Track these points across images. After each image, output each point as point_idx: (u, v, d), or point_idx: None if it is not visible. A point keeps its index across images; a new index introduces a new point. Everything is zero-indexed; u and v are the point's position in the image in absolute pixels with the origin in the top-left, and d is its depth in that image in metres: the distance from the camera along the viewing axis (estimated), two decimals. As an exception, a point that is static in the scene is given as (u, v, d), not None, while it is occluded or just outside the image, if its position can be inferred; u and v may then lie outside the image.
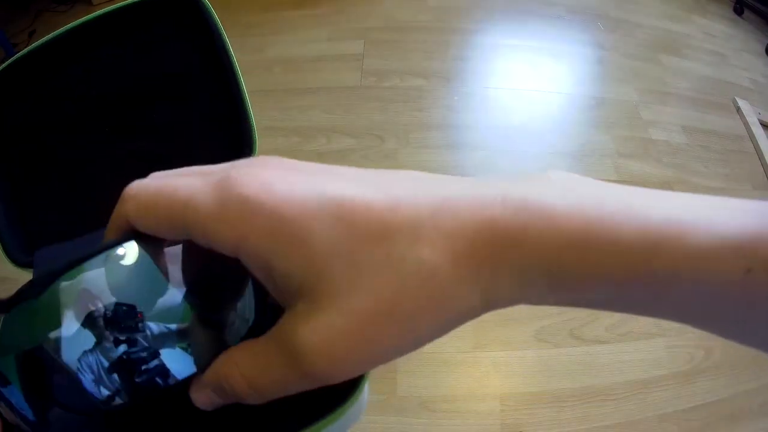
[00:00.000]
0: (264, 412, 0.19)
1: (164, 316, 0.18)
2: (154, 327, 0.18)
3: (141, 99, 0.49)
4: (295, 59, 1.63)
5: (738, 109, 1.52)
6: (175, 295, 0.18)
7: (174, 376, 0.18)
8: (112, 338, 0.17)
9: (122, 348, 0.17)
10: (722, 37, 1.84)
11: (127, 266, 0.18)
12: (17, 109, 0.45)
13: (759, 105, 1.55)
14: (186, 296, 0.19)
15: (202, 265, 0.19)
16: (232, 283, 0.20)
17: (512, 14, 1.81)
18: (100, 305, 0.17)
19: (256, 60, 1.64)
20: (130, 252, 0.18)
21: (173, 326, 0.18)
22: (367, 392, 0.25)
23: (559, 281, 0.14)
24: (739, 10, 1.97)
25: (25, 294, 0.18)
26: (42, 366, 0.17)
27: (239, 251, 0.15)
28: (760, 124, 1.48)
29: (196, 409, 0.18)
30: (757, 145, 1.42)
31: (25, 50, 0.43)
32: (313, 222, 0.15)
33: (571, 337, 1.01)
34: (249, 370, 0.16)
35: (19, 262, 0.42)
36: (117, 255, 0.18)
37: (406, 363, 0.97)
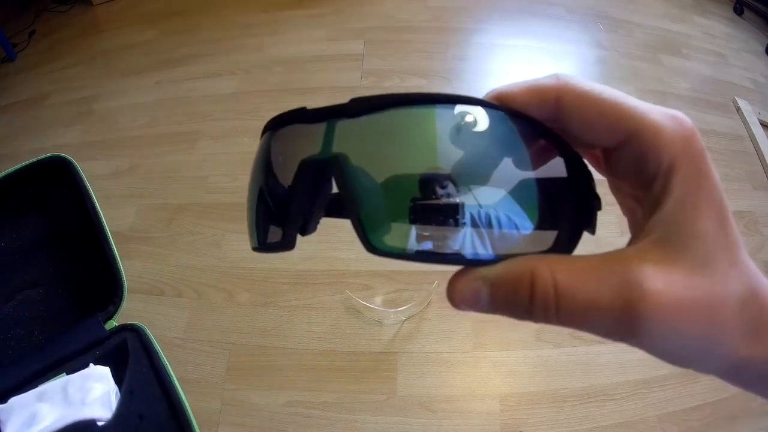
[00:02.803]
0: None
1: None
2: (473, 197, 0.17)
3: (22, 257, 0.57)
4: (295, 59, 1.63)
5: (738, 109, 1.52)
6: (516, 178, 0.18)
7: (465, 255, 0.17)
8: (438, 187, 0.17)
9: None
10: (722, 37, 1.84)
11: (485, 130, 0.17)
12: None
13: (759, 105, 1.55)
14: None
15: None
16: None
17: (512, 14, 1.81)
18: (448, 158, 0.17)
19: (256, 60, 1.64)
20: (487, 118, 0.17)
21: (502, 208, 0.17)
22: None
23: None
24: (739, 10, 1.97)
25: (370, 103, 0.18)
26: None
27: (668, 174, 0.15)
28: (760, 124, 1.48)
29: None
30: (757, 145, 1.42)
31: None
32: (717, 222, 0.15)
33: (571, 337, 1.01)
34: (564, 276, 0.15)
35: None
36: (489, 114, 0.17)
37: (406, 363, 0.97)
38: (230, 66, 1.62)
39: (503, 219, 0.17)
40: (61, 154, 0.58)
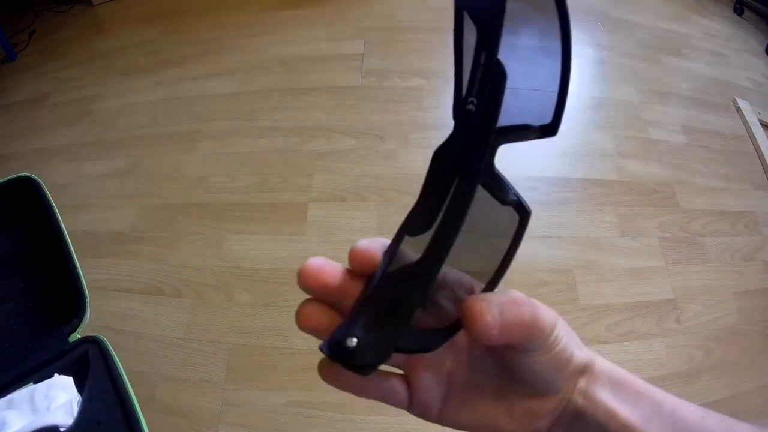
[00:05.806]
0: None
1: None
2: None
3: None
4: (295, 59, 1.63)
5: (738, 109, 1.52)
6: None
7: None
8: None
9: None
10: (722, 37, 1.84)
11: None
12: None
13: (759, 105, 1.55)
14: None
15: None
16: None
17: (512, 14, 1.81)
18: None
19: (256, 60, 1.64)
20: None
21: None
22: None
23: None
24: (739, 10, 1.98)
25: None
26: None
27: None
28: (760, 124, 1.48)
29: None
30: (757, 145, 1.42)
31: None
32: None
33: (571, 337, 1.00)
34: None
35: None
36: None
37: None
38: (230, 66, 1.62)
39: None
40: (27, 174, 0.61)
